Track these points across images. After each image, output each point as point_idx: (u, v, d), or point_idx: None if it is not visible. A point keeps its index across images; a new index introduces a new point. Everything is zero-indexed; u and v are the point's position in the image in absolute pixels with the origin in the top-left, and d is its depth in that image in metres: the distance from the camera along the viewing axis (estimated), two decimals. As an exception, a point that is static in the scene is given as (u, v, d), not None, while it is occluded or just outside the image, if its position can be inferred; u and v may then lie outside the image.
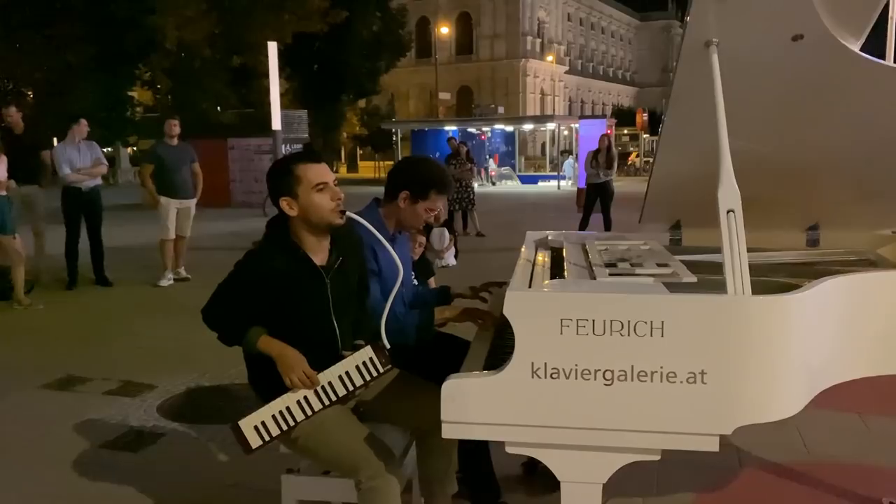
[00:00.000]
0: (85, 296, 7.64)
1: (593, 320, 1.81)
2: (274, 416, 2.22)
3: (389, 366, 2.29)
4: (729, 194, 1.94)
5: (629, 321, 1.80)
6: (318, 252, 2.32)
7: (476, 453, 2.60)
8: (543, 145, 35.83)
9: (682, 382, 1.80)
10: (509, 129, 32.91)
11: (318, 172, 2.27)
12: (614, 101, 72.08)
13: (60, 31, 20.99)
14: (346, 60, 31.40)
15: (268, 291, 2.26)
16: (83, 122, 7.87)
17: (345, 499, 2.36)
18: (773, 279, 2.44)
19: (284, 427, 2.22)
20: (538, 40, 61.39)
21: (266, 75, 17.64)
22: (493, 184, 29.48)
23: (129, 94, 29.40)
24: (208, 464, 3.42)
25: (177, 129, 8.10)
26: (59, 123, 8.26)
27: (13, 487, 3.22)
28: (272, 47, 16.14)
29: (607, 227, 10.84)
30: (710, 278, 2.16)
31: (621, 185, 14.43)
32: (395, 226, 2.66)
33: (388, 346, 2.30)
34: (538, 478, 3.06)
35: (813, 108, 2.46)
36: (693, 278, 2.14)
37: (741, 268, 1.86)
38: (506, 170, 31.15)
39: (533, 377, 1.85)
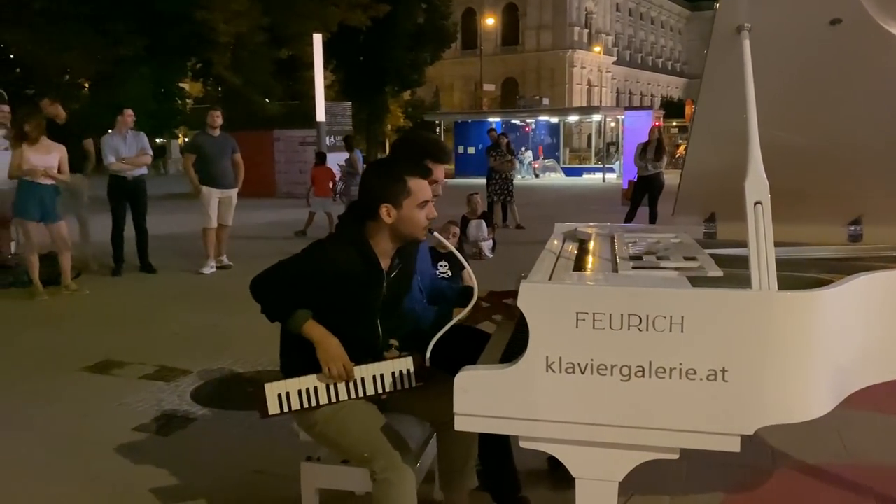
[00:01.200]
0: (129, 282, 7.83)
1: (610, 314, 1.76)
2: (299, 391, 2.24)
3: (422, 384, 2.29)
4: (757, 185, 1.86)
5: (647, 315, 1.74)
6: (385, 257, 2.31)
7: (497, 446, 2.56)
8: (589, 137, 35.40)
9: (702, 380, 1.74)
10: (554, 120, 32.62)
11: (425, 189, 2.26)
12: (663, 93, 70.75)
13: (112, 25, 21.48)
14: (390, 52, 31.52)
15: (329, 285, 2.23)
16: (127, 112, 8.05)
17: (363, 488, 2.36)
18: (806, 275, 2.34)
19: (305, 404, 2.24)
20: (585, 31, 60.64)
21: (311, 67, 17.80)
22: (537, 176, 29.25)
23: (180, 85, 29.98)
24: (235, 450, 3.46)
25: (219, 120, 8.22)
26: (112, 115, 8.45)
27: (42, 468, 3.31)
28: (317, 39, 16.27)
29: (653, 220, 10.65)
30: (738, 273, 2.08)
31: (670, 178, 14.16)
32: None
33: (428, 363, 2.28)
34: (564, 472, 3.01)
35: (854, 96, 2.36)
36: (719, 272, 2.06)
37: (767, 262, 1.78)
38: (549, 162, 30.87)
39: (547, 371, 1.81)
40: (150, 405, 4.04)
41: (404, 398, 2.42)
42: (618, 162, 26.88)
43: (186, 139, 34.28)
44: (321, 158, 12.37)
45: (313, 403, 2.25)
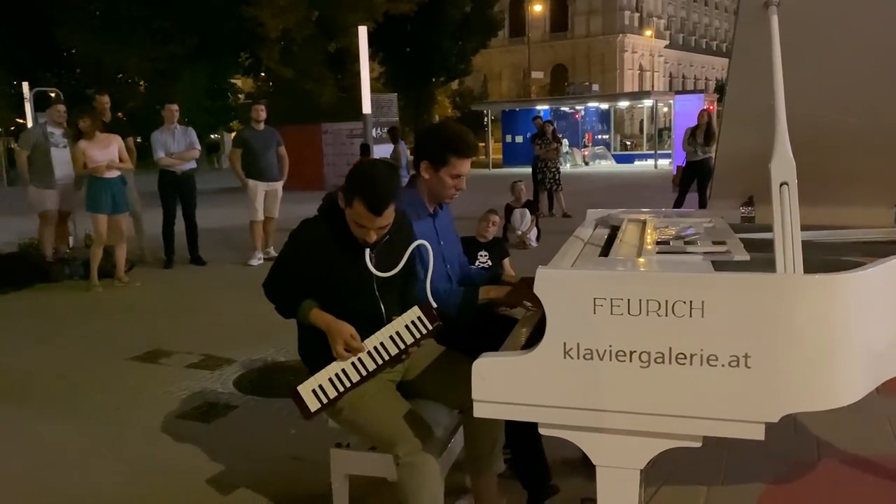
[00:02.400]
0: (180, 274, 8.05)
1: (628, 299, 1.73)
2: (330, 379, 2.26)
3: (438, 322, 2.30)
4: (783, 165, 1.79)
5: (666, 301, 1.70)
6: None
7: (524, 433, 2.54)
8: (641, 123, 34.78)
9: (724, 366, 1.69)
10: (604, 106, 32.15)
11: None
12: (718, 76, 68.94)
13: (165, 24, 22.06)
14: (436, 42, 31.51)
15: (310, 260, 2.31)
16: (170, 106, 8.25)
17: (392, 475, 2.37)
18: (844, 258, 2.25)
19: (341, 388, 2.26)
20: (636, 14, 59.47)
21: (359, 59, 17.94)
22: (586, 164, 28.89)
23: (232, 81, 30.60)
24: (274, 437, 3.53)
25: (263, 115, 8.37)
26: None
27: (93, 452, 3.44)
28: (362, 31, 16.35)
29: (703, 206, 10.42)
30: (768, 256, 2.01)
31: (718, 162, 13.81)
32: (430, 199, 2.63)
33: (434, 304, 2.30)
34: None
35: (890, 75, 2.25)
36: (746, 256, 2.01)
37: (793, 244, 1.72)
38: (600, 149, 30.46)
39: (565, 357, 1.79)
40: (194, 393, 4.15)
41: (430, 384, 2.43)
42: (671, 149, 26.38)
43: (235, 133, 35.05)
44: (365, 150, 12.49)
45: (347, 385, 2.26)
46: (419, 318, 2.30)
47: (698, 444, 1.80)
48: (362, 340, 2.27)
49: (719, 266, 1.91)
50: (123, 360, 4.81)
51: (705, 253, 2.06)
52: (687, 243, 2.19)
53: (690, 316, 1.69)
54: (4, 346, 5.31)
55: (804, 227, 2.71)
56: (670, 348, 1.72)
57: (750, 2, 2.03)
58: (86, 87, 28.01)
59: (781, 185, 1.78)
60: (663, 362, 1.73)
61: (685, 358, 1.71)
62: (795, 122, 2.32)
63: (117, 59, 22.44)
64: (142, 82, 27.00)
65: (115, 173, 7.00)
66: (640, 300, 1.72)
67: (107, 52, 21.87)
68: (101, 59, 22.68)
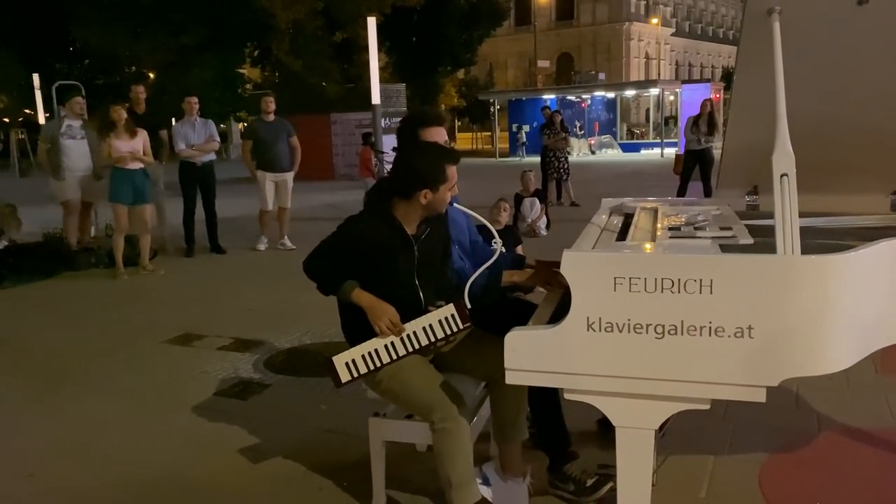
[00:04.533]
0: (201, 262, 8.30)
1: (645, 278, 1.95)
2: (363, 356, 2.50)
3: (469, 323, 2.51)
4: (783, 158, 2.00)
5: (679, 279, 1.92)
6: (411, 224, 2.57)
7: (546, 402, 2.78)
8: (648, 112, 34.82)
9: (729, 337, 1.91)
10: (610, 95, 32.18)
11: (455, 173, 2.55)
12: (724, 64, 68.74)
13: (175, 16, 22.26)
14: (443, 31, 31.53)
15: (364, 254, 2.52)
16: (189, 99, 8.46)
17: (425, 441, 2.61)
18: (840, 242, 2.46)
19: (371, 367, 2.49)
20: (642, 2, 59.31)
21: (366, 50, 18.04)
22: (593, 153, 29.02)
23: (240, 71, 30.76)
24: (308, 411, 3.77)
25: (272, 106, 8.60)
26: (177, 102, 8.93)
27: (142, 426, 3.69)
28: (371, 22, 16.48)
29: (707, 194, 10.61)
30: (769, 240, 2.23)
31: (719, 152, 13.98)
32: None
33: (469, 305, 2.52)
34: (612, 434, 3.20)
35: (887, 72, 2.45)
36: (750, 240, 2.22)
37: (792, 229, 1.94)
38: (606, 138, 30.54)
39: (588, 330, 2.01)
40: (228, 373, 4.40)
41: (458, 358, 2.66)
42: (677, 137, 26.48)
43: (245, 124, 35.24)
44: (366, 139, 12.72)
45: (377, 364, 2.50)
46: (452, 315, 2.50)
47: (707, 407, 2.02)
48: None
49: (726, 249, 2.13)
50: (158, 343, 5.06)
51: (713, 237, 2.27)
52: (697, 229, 2.41)
53: (700, 293, 1.91)
54: (41, 330, 5.58)
55: (806, 215, 2.95)
56: (682, 321, 1.94)
57: (754, 9, 2.23)
58: (95, 79, 28.27)
59: (782, 176, 2.00)
60: (676, 334, 1.94)
61: (695, 330, 1.93)
62: (798, 117, 2.53)
63: (129, 50, 22.70)
64: (152, 73, 27.22)
65: (137, 165, 7.22)
66: (656, 279, 1.94)
67: (119, 44, 22.12)
68: (113, 50, 22.92)
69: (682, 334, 1.94)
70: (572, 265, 2.01)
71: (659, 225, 2.57)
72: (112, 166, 7.18)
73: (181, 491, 3.02)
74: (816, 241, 2.42)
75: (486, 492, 2.61)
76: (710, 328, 1.92)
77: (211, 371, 4.44)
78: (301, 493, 2.96)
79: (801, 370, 1.92)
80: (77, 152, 8.05)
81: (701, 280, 1.91)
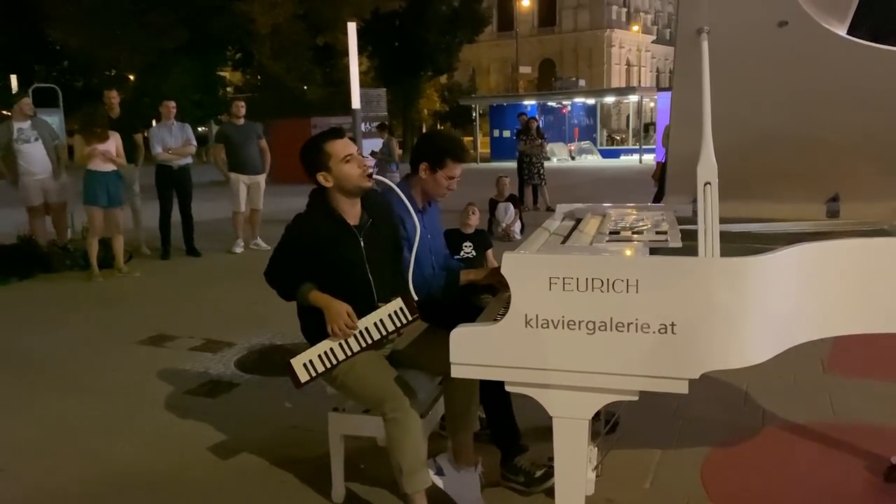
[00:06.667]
0: (176, 264, 8.38)
1: (577, 278, 2.09)
2: (320, 356, 2.63)
3: (417, 314, 2.64)
4: (706, 168, 2.15)
5: (608, 279, 2.07)
6: (352, 214, 2.72)
7: (496, 397, 2.92)
8: (628, 118, 35.21)
9: (654, 333, 2.06)
10: (590, 102, 32.51)
11: (343, 146, 2.67)
12: (704, 71, 69.35)
13: (155, 18, 22.25)
14: (424, 36, 31.75)
15: (312, 249, 2.66)
16: (167, 103, 8.56)
17: (382, 435, 2.73)
18: (767, 246, 2.62)
19: (328, 365, 2.62)
20: (624, 9, 59.90)
21: (347, 54, 18.13)
22: (573, 158, 29.31)
23: (220, 74, 30.74)
24: (274, 409, 3.89)
25: (243, 110, 8.77)
26: (156, 105, 9.00)
27: (112, 424, 3.79)
28: (351, 27, 16.60)
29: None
30: (695, 244, 2.39)
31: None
32: (422, 197, 3.00)
33: (416, 297, 2.66)
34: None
35: (813, 89, 2.62)
36: (679, 244, 2.38)
37: (713, 234, 2.09)
38: (586, 144, 30.84)
39: (526, 327, 2.15)
40: (199, 372, 4.50)
41: (414, 355, 2.80)
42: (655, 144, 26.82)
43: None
44: None
45: (333, 362, 2.63)
46: (401, 308, 2.64)
47: (635, 398, 2.17)
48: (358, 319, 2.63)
49: (655, 251, 2.28)
50: (130, 344, 5.16)
51: (647, 241, 2.43)
52: (635, 233, 2.57)
53: (627, 292, 2.06)
54: (16, 331, 5.64)
55: (747, 221, 3.12)
56: (611, 318, 2.09)
57: (685, 28, 2.39)
58: (74, 81, 28.12)
59: (705, 184, 2.15)
60: (605, 330, 2.09)
61: (623, 326, 2.08)
62: (739, 129, 2.70)
63: (109, 52, 22.65)
64: (131, 76, 27.15)
65: (109, 167, 7.25)
66: (587, 279, 2.09)
67: (97, 45, 22.07)
68: (91, 51, 22.86)
69: (611, 330, 2.09)
70: (511, 266, 2.15)
71: (602, 229, 2.72)
72: (85, 168, 7.23)
73: (149, 485, 3.13)
74: (746, 246, 2.59)
75: (440, 482, 2.75)
76: (636, 325, 2.07)
77: (182, 370, 4.54)
78: (263, 487, 3.08)
79: (721, 364, 2.07)
80: (34, 156, 8.04)
81: (627, 280, 2.06)
